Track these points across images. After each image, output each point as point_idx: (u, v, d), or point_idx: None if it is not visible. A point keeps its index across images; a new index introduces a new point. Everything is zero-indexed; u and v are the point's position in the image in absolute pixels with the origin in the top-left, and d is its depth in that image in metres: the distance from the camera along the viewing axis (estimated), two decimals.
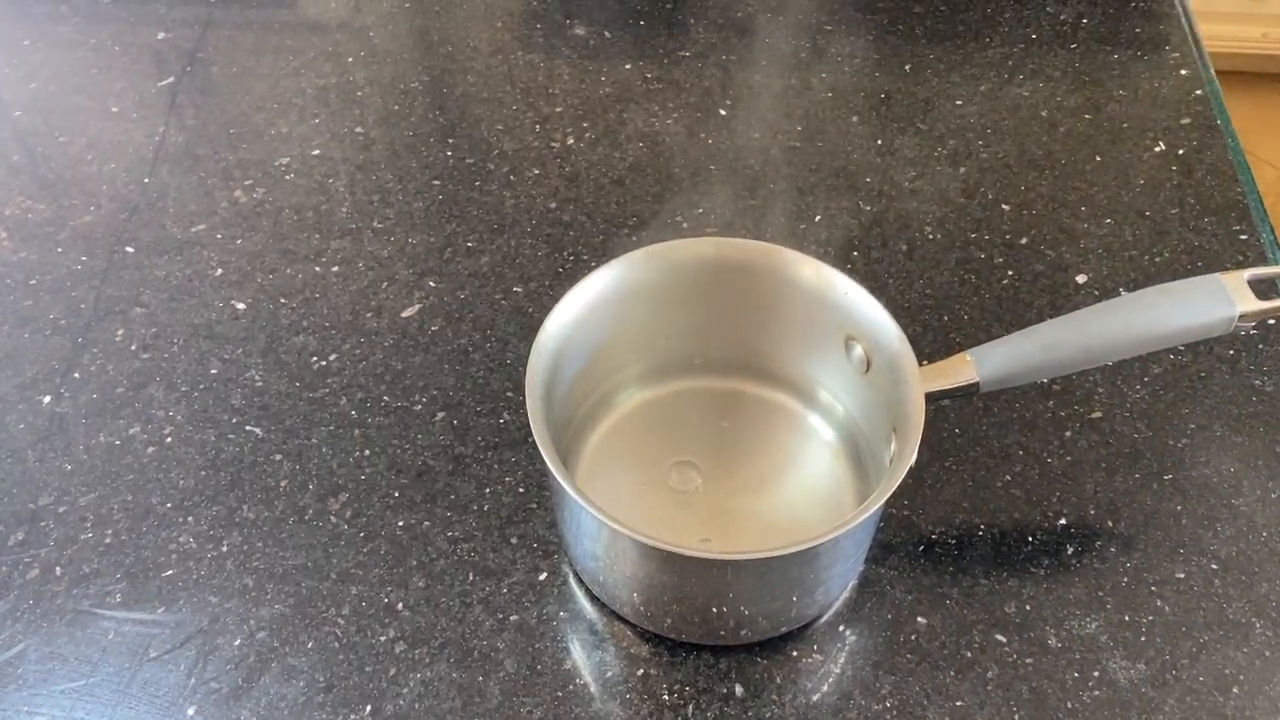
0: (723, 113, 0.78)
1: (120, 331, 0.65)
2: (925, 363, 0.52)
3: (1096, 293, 0.66)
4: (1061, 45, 0.83)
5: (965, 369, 0.51)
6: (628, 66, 0.81)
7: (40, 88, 0.80)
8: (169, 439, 0.60)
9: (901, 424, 0.49)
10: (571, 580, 0.55)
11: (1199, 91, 0.78)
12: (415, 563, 0.55)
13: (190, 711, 0.50)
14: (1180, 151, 0.74)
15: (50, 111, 0.78)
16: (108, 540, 0.56)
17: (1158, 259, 0.68)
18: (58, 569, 0.55)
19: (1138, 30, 0.84)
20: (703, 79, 0.80)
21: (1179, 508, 0.57)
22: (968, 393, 0.51)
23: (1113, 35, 0.83)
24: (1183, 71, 0.80)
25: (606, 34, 0.84)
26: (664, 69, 0.81)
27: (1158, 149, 0.75)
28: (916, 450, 0.47)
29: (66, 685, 0.51)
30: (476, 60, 0.82)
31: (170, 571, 0.55)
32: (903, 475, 0.46)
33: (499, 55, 0.83)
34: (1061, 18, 0.85)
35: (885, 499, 0.45)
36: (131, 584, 0.54)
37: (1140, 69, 0.81)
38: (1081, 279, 0.67)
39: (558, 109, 0.78)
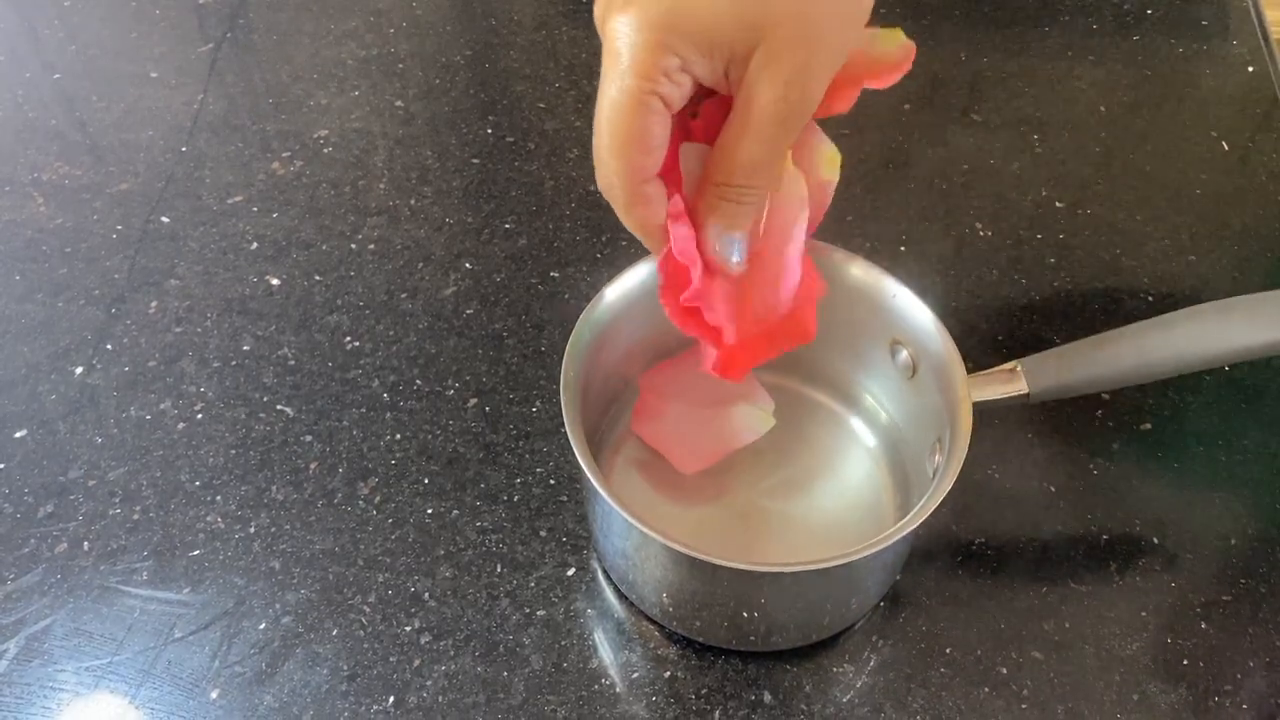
0: None
1: (154, 304, 0.64)
2: (971, 366, 0.50)
3: (1152, 298, 0.64)
4: (1123, 35, 0.80)
5: (1015, 379, 0.49)
6: None
7: (80, 50, 0.79)
8: (199, 415, 0.59)
9: (947, 436, 0.47)
10: (600, 576, 0.54)
11: (1267, 88, 0.76)
12: (443, 552, 0.54)
13: (214, 695, 0.50)
14: (1246, 151, 0.72)
15: (89, 75, 0.77)
16: (136, 517, 0.56)
17: (1218, 265, 0.66)
18: (85, 544, 0.55)
19: (1204, 22, 0.81)
20: None
21: (1228, 527, 0.55)
22: (1016, 404, 0.50)
23: (1177, 26, 0.80)
24: (1250, 69, 0.77)
25: None
26: None
27: (1223, 148, 0.72)
28: (962, 464, 0.45)
29: (92, 662, 0.51)
30: (520, 35, 0.80)
31: (197, 551, 0.54)
32: (948, 490, 0.45)
33: (543, 30, 0.81)
34: (1125, 6, 0.82)
35: (929, 514, 0.44)
36: (159, 562, 0.54)
37: (1205, 63, 0.78)
38: (1137, 283, 0.65)
39: None
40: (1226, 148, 0.72)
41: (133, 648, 0.51)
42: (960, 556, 0.54)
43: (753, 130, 0.36)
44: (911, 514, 0.44)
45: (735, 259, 0.39)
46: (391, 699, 0.50)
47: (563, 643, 0.52)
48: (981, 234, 0.68)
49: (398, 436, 0.59)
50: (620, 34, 0.34)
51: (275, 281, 0.65)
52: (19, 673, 0.51)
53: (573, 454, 0.47)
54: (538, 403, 0.60)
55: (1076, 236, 0.67)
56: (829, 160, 0.45)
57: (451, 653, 0.51)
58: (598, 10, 0.37)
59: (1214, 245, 0.67)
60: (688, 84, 0.35)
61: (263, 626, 0.52)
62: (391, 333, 0.63)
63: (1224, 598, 0.53)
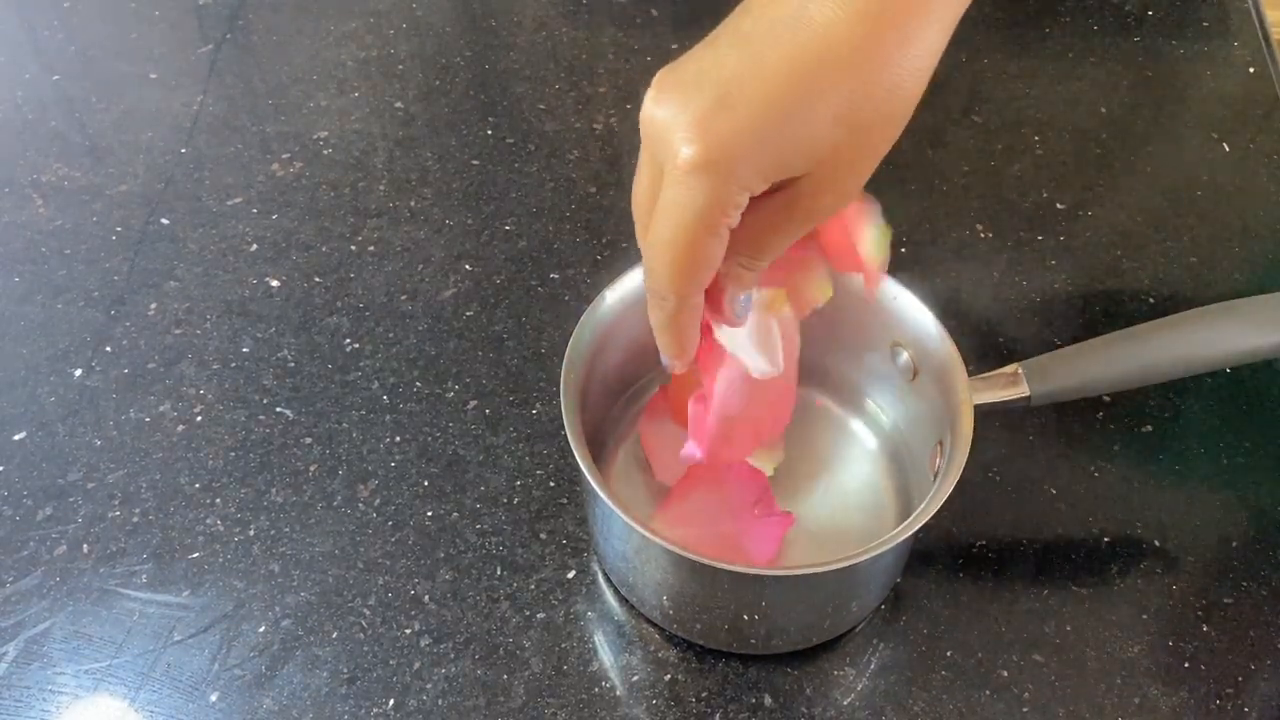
0: None
1: (153, 305, 0.64)
2: (972, 369, 0.50)
3: (1153, 300, 0.64)
4: (1124, 36, 0.80)
5: (1016, 382, 0.49)
6: (674, 46, 0.79)
7: (79, 51, 0.79)
8: (199, 418, 0.59)
9: (948, 438, 0.47)
10: (600, 579, 0.54)
11: (1267, 88, 0.75)
12: (443, 555, 0.54)
13: (213, 698, 0.50)
14: (1247, 152, 0.72)
15: (89, 76, 0.77)
16: (135, 519, 0.55)
17: (1220, 267, 0.66)
18: (85, 546, 0.55)
19: (1204, 23, 0.80)
20: None
21: (1229, 530, 0.55)
22: (1018, 407, 0.49)
23: (1178, 27, 0.80)
24: (1251, 69, 0.77)
25: (653, 11, 0.82)
26: None
27: (1224, 149, 0.72)
28: (963, 466, 0.45)
29: (91, 665, 0.51)
30: (520, 35, 0.80)
31: (197, 554, 0.54)
32: (949, 492, 0.45)
33: (543, 31, 0.81)
34: (1125, 7, 0.82)
35: (930, 517, 0.44)
36: (158, 565, 0.54)
37: (1206, 64, 0.78)
38: (1139, 285, 0.65)
39: (601, 89, 0.76)
40: (1227, 149, 0.72)
41: (132, 650, 0.51)
42: (961, 559, 0.54)
43: (787, 228, 0.39)
44: (912, 517, 0.44)
45: (741, 314, 0.43)
46: (391, 702, 0.50)
47: (563, 646, 0.52)
48: (982, 235, 0.68)
49: (397, 439, 0.59)
50: (697, 166, 0.35)
51: (275, 283, 0.65)
52: (18, 675, 0.51)
53: (573, 456, 0.46)
54: (538, 405, 0.60)
55: (1078, 238, 0.67)
56: (820, 288, 0.48)
57: (451, 655, 0.51)
58: (653, 114, 0.37)
59: (1215, 247, 0.67)
60: (746, 202, 0.37)
61: (262, 629, 0.52)
62: (391, 335, 0.63)
63: (1225, 600, 0.53)
